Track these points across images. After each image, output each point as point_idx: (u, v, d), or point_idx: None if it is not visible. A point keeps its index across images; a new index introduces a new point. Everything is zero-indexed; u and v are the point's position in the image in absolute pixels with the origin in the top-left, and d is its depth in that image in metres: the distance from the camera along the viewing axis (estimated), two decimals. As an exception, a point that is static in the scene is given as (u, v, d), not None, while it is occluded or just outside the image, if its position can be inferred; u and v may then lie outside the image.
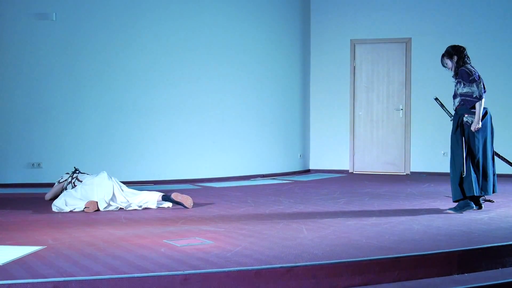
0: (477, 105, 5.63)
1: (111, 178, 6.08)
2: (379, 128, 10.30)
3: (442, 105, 6.35)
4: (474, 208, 5.70)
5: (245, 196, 7.07)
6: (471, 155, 5.65)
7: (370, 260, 3.66)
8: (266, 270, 3.42)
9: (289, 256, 3.73)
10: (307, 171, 10.59)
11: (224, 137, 9.21)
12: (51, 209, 5.88)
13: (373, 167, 10.31)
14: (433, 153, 9.93)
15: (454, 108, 5.86)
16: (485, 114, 5.75)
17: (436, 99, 6.42)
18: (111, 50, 8.40)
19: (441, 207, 5.94)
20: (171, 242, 4.19)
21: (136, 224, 5.05)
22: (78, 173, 6.47)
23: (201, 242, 4.19)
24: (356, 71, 10.40)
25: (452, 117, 5.94)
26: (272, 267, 3.46)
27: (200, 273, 3.34)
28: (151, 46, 8.62)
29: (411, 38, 10.07)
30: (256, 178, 9.42)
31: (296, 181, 8.95)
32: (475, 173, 5.64)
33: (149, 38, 8.60)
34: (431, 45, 9.87)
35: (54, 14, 8.12)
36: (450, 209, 5.72)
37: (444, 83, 9.77)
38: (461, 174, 5.60)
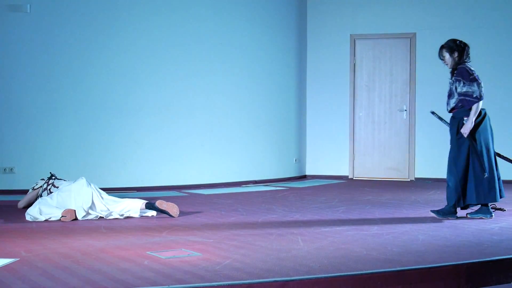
0: (474, 106, 5.64)
1: (90, 184, 6.06)
2: (381, 130, 10.33)
3: (440, 118, 6.41)
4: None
5: (236, 204, 7.06)
6: (475, 160, 5.68)
7: (371, 273, 3.66)
8: (258, 285, 3.42)
9: (283, 269, 3.73)
10: (303, 177, 10.60)
11: (214, 140, 9.21)
12: (25, 218, 5.84)
13: (374, 173, 10.33)
14: (439, 157, 9.89)
15: (449, 109, 5.89)
16: (484, 115, 5.77)
17: (433, 112, 6.49)
18: (91, 45, 8.37)
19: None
20: (155, 254, 4.18)
21: (117, 235, 5.03)
22: (54, 179, 6.45)
23: (188, 254, 4.18)
24: (356, 68, 10.42)
25: (449, 125, 5.97)
26: (265, 281, 3.45)
27: (186, 288, 3.33)
28: (136, 43, 8.60)
29: (415, 33, 10.11)
30: (248, 184, 9.42)
31: (291, 188, 8.95)
32: (478, 180, 5.68)
33: (134, 34, 8.59)
34: (437, 40, 9.76)
35: (28, 5, 8.09)
36: (433, 211, 5.86)
37: (451, 82, 9.84)
38: (462, 182, 5.66)
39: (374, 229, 5.26)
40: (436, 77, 9.97)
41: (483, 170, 5.64)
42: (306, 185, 9.36)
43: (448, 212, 5.80)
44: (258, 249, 4.38)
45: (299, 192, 8.35)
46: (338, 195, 7.98)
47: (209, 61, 9.16)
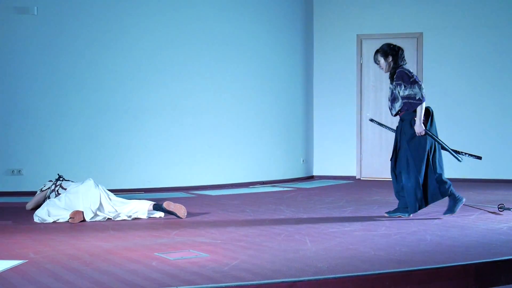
0: (418, 108, 5.71)
1: (98, 186, 6.07)
2: (388, 130, 10.28)
3: (380, 124, 6.45)
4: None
5: (243, 204, 7.06)
6: (428, 161, 5.74)
7: (379, 274, 3.65)
8: (266, 285, 3.42)
9: (291, 270, 3.72)
10: (311, 178, 10.59)
11: (221, 141, 9.21)
12: (33, 219, 5.86)
13: (382, 173, 10.30)
14: (447, 157, 9.87)
15: (395, 113, 5.90)
16: (432, 114, 5.81)
17: (372, 120, 6.55)
18: (97, 47, 8.40)
19: (456, 217, 5.93)
20: (163, 255, 4.18)
21: (125, 236, 5.04)
22: (62, 180, 6.46)
23: (196, 255, 4.18)
24: (363, 68, 10.40)
25: (394, 130, 6.01)
26: (273, 282, 3.45)
27: (194, 289, 3.33)
28: (141, 43, 8.62)
29: (422, 33, 10.09)
30: (255, 185, 9.42)
31: (298, 188, 8.94)
32: (436, 179, 5.72)
33: (138, 34, 8.61)
34: (444, 40, 9.89)
35: (35, 8, 8.12)
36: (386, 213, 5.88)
37: (458, 81, 9.83)
38: (422, 183, 5.69)
39: (382, 229, 5.25)
40: (443, 76, 9.97)
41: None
42: (314, 186, 9.35)
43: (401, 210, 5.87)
44: (266, 249, 4.38)
45: (306, 193, 8.34)
46: (346, 195, 7.97)
47: (215, 62, 9.16)
